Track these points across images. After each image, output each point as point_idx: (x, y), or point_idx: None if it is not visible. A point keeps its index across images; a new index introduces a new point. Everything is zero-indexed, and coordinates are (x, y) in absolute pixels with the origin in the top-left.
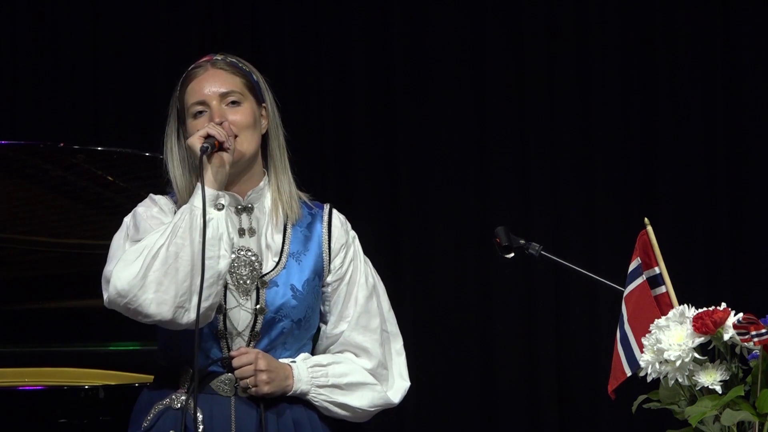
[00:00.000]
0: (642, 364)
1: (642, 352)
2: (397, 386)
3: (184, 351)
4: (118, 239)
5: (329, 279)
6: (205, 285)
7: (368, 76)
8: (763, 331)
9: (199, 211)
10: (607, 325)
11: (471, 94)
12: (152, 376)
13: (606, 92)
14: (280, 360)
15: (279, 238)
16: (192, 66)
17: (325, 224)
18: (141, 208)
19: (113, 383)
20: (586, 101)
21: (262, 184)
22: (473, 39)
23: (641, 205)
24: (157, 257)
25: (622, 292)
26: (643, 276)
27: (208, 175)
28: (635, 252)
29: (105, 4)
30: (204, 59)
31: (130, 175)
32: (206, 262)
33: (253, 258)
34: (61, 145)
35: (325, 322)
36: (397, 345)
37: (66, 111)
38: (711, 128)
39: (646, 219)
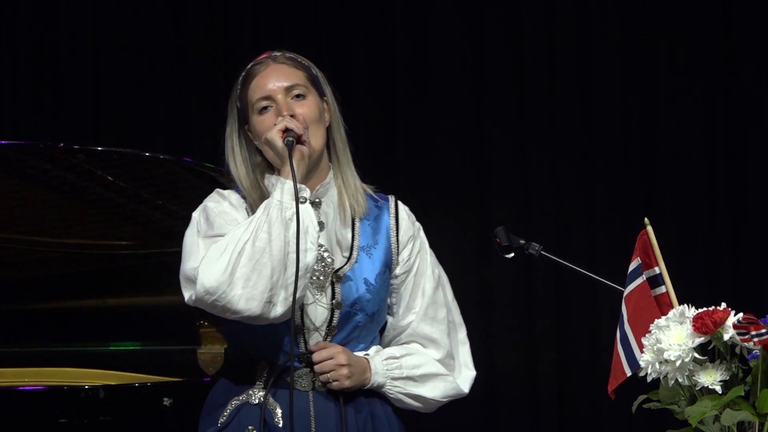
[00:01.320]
0: (642, 364)
1: (642, 352)
2: (464, 375)
3: (261, 346)
4: (191, 236)
5: (397, 271)
6: (293, 278)
7: (368, 76)
8: (763, 331)
9: (283, 205)
10: (607, 325)
11: (471, 93)
12: (152, 376)
13: (606, 92)
14: (355, 353)
15: (347, 232)
16: (251, 63)
17: (393, 216)
18: (211, 203)
19: (113, 383)
20: (586, 101)
21: (328, 178)
22: (473, 39)
23: (641, 205)
24: (243, 253)
25: (622, 292)
26: (643, 276)
27: (289, 168)
28: (635, 252)
29: (105, 5)
30: (263, 56)
31: (130, 175)
32: (294, 255)
33: (325, 253)
34: (61, 145)
35: (392, 314)
36: (462, 334)
37: (66, 111)
38: (711, 128)
39: (646, 219)
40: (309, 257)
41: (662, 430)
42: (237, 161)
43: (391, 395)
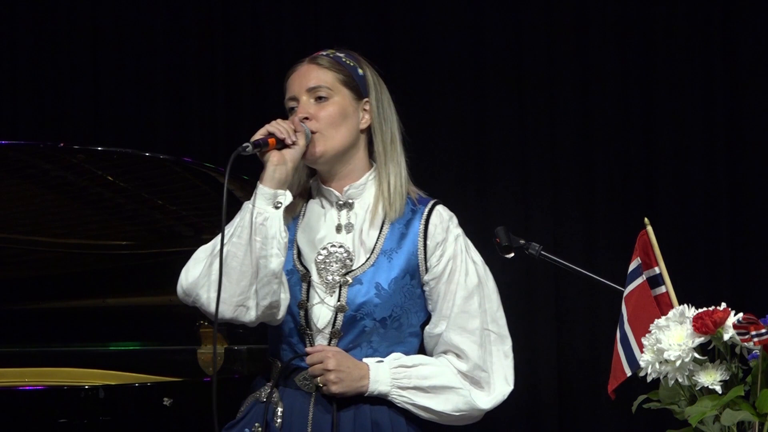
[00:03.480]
0: (642, 364)
1: (642, 352)
2: (497, 391)
3: (276, 345)
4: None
5: (427, 278)
6: (262, 283)
7: None
8: (763, 331)
9: (257, 210)
10: (607, 325)
11: (471, 93)
12: (152, 376)
13: (606, 92)
14: (366, 359)
15: (374, 234)
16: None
17: (423, 222)
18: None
19: (113, 383)
20: (586, 101)
21: (363, 179)
22: (473, 39)
23: (641, 205)
24: (218, 256)
25: (622, 292)
26: (643, 276)
27: (266, 173)
28: (635, 252)
29: (105, 4)
30: (312, 55)
31: (130, 175)
32: (263, 261)
33: (345, 255)
34: (61, 145)
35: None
36: (505, 347)
37: (66, 111)
38: (711, 128)
39: (646, 219)
40: (273, 264)
41: (662, 430)
42: None
43: (398, 405)
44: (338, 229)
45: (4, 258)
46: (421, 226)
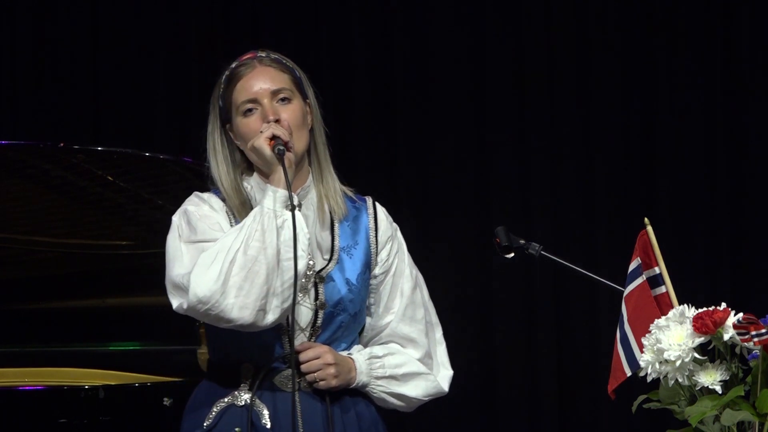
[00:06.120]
0: (642, 364)
1: (642, 352)
2: (442, 374)
3: (245, 348)
4: (174, 241)
5: (376, 271)
6: (285, 286)
7: (369, 77)
8: (763, 331)
9: (273, 213)
10: (607, 325)
11: (471, 94)
12: (152, 376)
13: (606, 92)
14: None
15: (327, 234)
16: (236, 64)
17: (371, 217)
18: (191, 207)
19: (113, 383)
20: (586, 101)
21: (308, 181)
22: (474, 39)
23: (641, 205)
24: (235, 262)
25: (622, 292)
26: (643, 276)
27: (280, 176)
28: (635, 252)
29: (105, 4)
30: (247, 56)
31: (130, 175)
32: (286, 263)
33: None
34: (61, 145)
35: (370, 314)
36: (438, 334)
37: (66, 111)
38: (711, 128)
39: (646, 219)
40: (301, 264)
41: (662, 430)
42: (218, 159)
43: (375, 394)
44: None
45: (4, 258)
46: (371, 222)
